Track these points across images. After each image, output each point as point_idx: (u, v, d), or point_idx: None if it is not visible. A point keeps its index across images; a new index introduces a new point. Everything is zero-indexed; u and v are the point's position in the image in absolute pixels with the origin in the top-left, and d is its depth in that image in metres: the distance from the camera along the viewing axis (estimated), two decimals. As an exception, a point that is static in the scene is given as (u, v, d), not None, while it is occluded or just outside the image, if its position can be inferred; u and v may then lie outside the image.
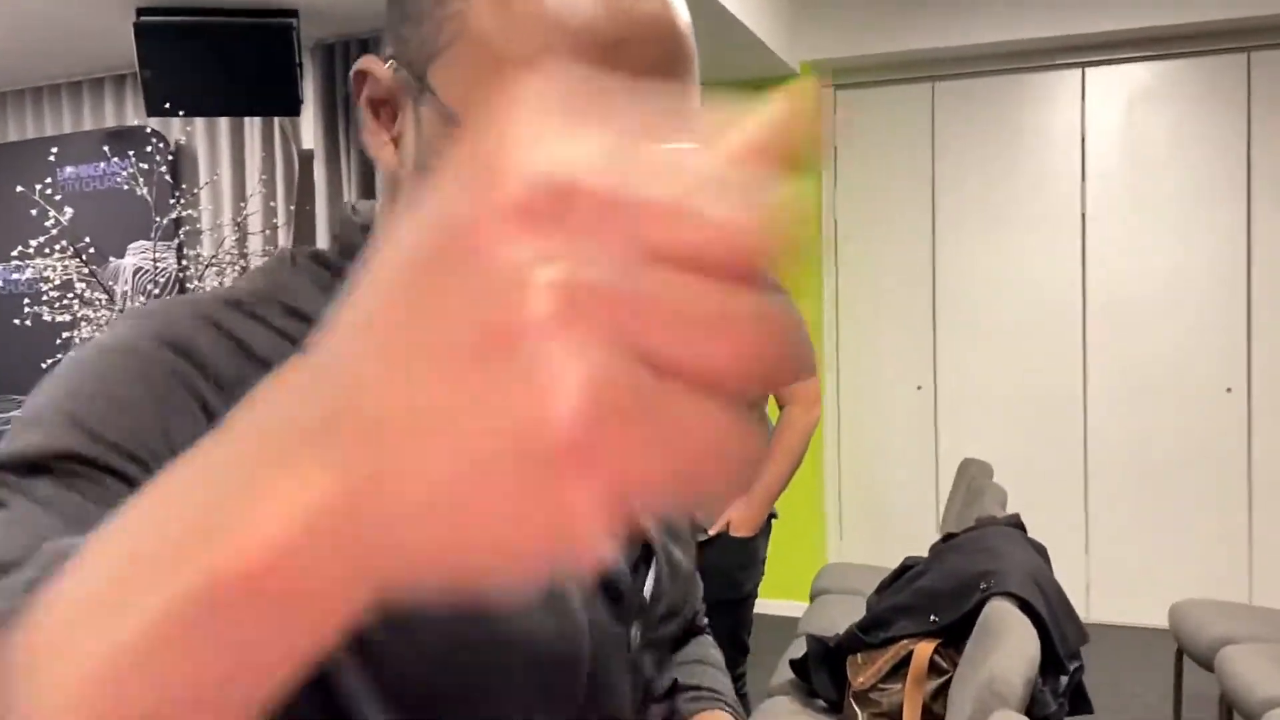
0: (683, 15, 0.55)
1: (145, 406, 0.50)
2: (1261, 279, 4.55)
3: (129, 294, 5.77)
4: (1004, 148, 4.88)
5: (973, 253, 4.94)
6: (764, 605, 4.90)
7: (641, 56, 0.53)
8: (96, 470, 0.48)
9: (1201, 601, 3.50)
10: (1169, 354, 4.67)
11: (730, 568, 2.51)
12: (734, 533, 2.42)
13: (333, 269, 0.61)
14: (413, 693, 0.54)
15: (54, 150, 5.25)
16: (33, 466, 0.47)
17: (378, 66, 0.60)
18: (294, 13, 5.14)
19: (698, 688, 0.79)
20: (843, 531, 5.20)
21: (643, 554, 0.68)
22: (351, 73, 0.61)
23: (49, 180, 4.69)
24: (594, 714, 0.63)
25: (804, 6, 4.94)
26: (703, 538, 2.45)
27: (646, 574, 0.67)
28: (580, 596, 0.62)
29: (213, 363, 0.53)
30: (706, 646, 0.85)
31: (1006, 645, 1.69)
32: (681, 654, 0.81)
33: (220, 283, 5.41)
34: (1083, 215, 4.78)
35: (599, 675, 0.63)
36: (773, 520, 2.61)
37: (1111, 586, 4.79)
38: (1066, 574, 4.71)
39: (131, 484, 0.48)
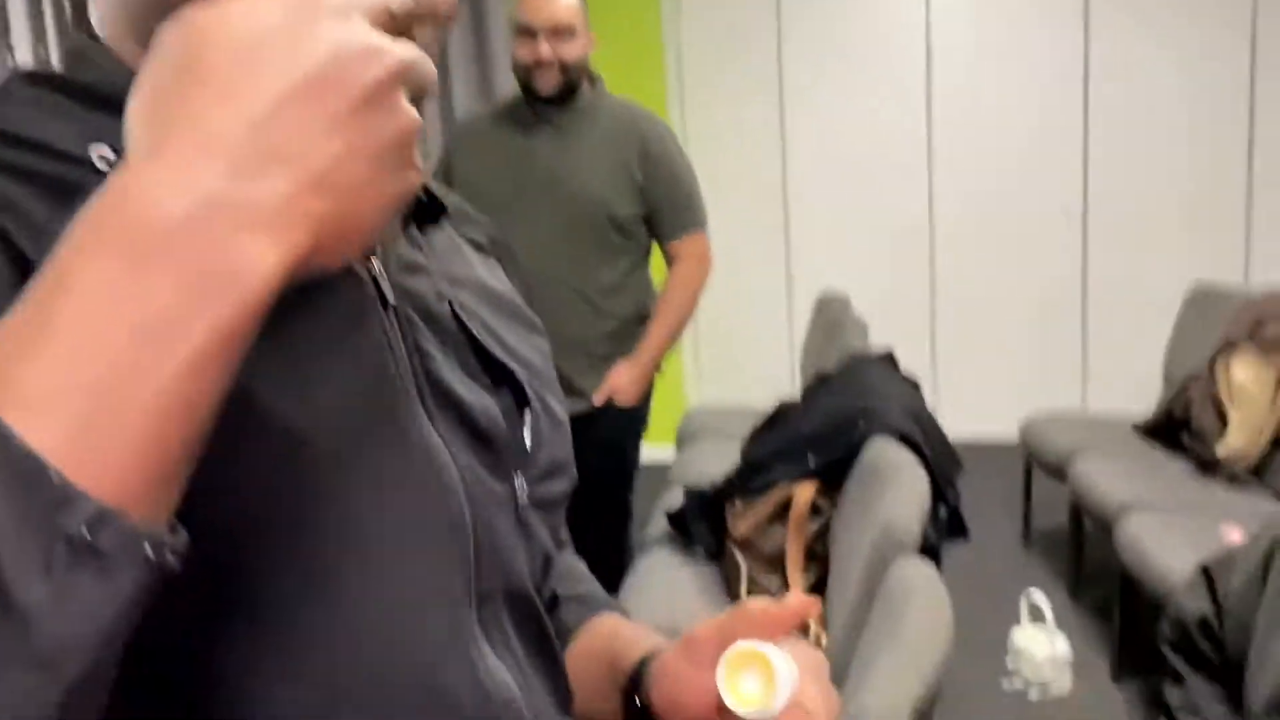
0: None
1: None
2: (1098, 97, 4.60)
3: None
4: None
5: (819, 80, 4.81)
6: (627, 452, 4.89)
7: None
8: None
9: (1047, 413, 3.63)
10: (1010, 178, 4.72)
11: (620, 439, 2.38)
12: (620, 401, 2.26)
13: (56, 84, 0.54)
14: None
15: None
16: None
17: None
18: None
19: (578, 597, 0.77)
20: (701, 373, 5.17)
21: (515, 398, 0.63)
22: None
23: None
24: (488, 583, 0.57)
25: None
26: (585, 408, 2.30)
27: (523, 421, 0.63)
28: (447, 447, 0.55)
29: None
30: (569, 556, 0.82)
31: (897, 489, 1.64)
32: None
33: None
34: (928, 46, 4.69)
35: (483, 537, 0.56)
36: (654, 376, 2.47)
37: (960, 404, 4.95)
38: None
39: None
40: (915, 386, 2.34)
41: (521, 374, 0.64)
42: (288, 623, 0.49)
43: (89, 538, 0.34)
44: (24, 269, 0.45)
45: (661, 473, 3.44)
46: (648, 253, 2.38)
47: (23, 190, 0.48)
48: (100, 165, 0.49)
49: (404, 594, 0.53)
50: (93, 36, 0.56)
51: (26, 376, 0.36)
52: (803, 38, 4.79)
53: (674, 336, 2.37)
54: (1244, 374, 2.78)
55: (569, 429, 0.69)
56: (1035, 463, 3.47)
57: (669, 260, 2.37)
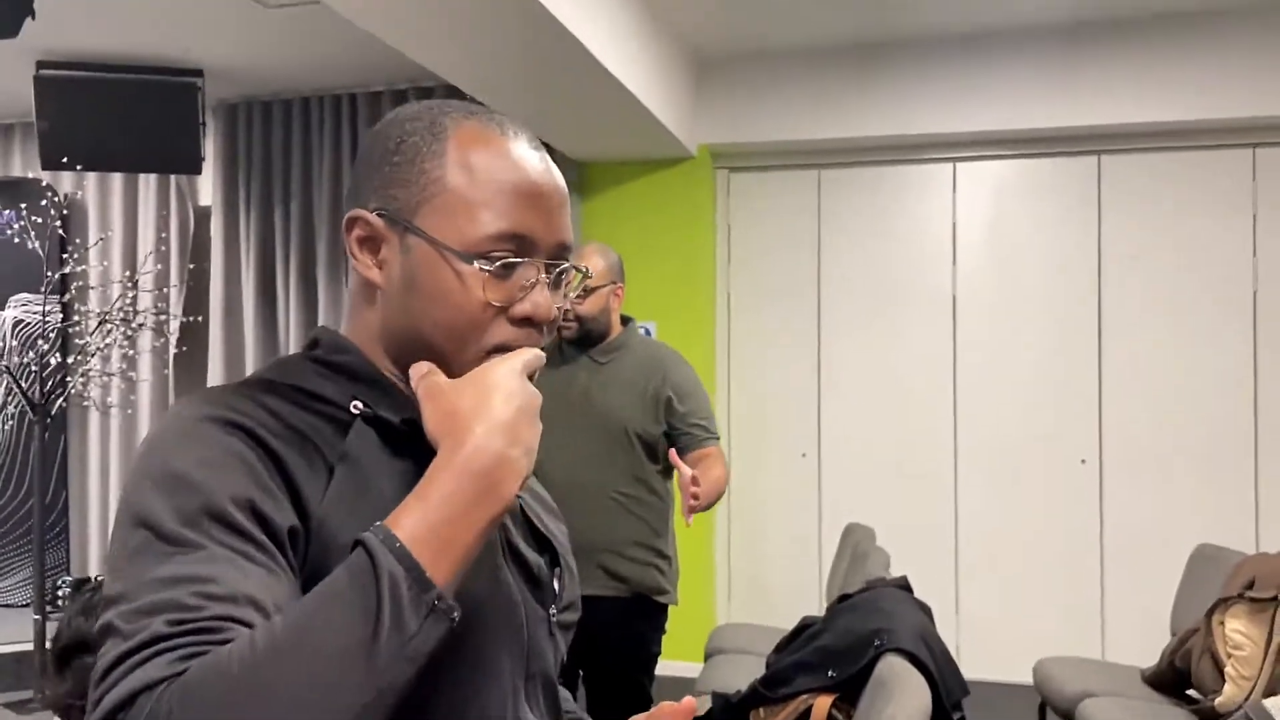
0: (560, 179, 0.94)
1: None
2: (1110, 358, 4.99)
3: (7, 347, 5.59)
4: (883, 232, 5.25)
5: (854, 329, 5.26)
6: (659, 666, 5.03)
7: (549, 200, 0.90)
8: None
9: (1061, 659, 3.80)
10: (1031, 427, 5.06)
11: (644, 625, 2.64)
12: (693, 498, 2.27)
13: (326, 363, 0.93)
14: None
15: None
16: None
17: (367, 215, 0.90)
18: (199, 72, 5.16)
19: (571, 712, 1.14)
20: (731, 594, 5.38)
21: (550, 557, 1.02)
22: (345, 219, 0.91)
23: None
24: (533, 668, 0.95)
25: (704, 96, 5.25)
26: (620, 593, 2.58)
27: (554, 573, 1.02)
28: (515, 583, 0.95)
29: (261, 433, 0.82)
30: (570, 701, 1.18)
31: (900, 698, 1.87)
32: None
33: (106, 341, 5.31)
34: (953, 297, 5.16)
35: (531, 640, 0.95)
36: (669, 607, 2.74)
37: (980, 645, 5.09)
38: (939, 633, 5.01)
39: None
40: (927, 611, 2.58)
41: (557, 544, 1.04)
42: (435, 682, 0.79)
43: (440, 605, 0.73)
44: (329, 470, 0.84)
45: (687, 684, 3.63)
46: (670, 467, 2.70)
47: (317, 421, 0.86)
48: (354, 410, 0.88)
49: (491, 668, 0.90)
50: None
51: (409, 523, 0.75)
52: (838, 286, 5.29)
53: (719, 487, 2.51)
54: (1237, 629, 2.99)
55: (578, 580, 1.08)
56: (1049, 704, 3.62)
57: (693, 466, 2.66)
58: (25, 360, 5.37)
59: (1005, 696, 4.77)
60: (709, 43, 5.07)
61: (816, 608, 4.53)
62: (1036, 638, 4.96)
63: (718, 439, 2.69)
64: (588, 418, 2.61)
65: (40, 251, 4.75)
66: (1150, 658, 3.64)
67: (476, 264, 0.86)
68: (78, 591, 5.79)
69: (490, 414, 0.79)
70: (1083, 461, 5.01)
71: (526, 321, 0.88)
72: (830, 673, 2.40)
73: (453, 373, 0.85)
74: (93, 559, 6.04)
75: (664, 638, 2.80)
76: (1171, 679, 3.37)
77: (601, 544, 2.59)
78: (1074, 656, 3.90)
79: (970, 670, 5.02)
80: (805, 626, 2.73)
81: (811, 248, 5.33)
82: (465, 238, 0.86)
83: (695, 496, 2.23)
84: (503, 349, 0.86)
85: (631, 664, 2.67)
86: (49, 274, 4.79)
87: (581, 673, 2.71)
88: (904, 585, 2.69)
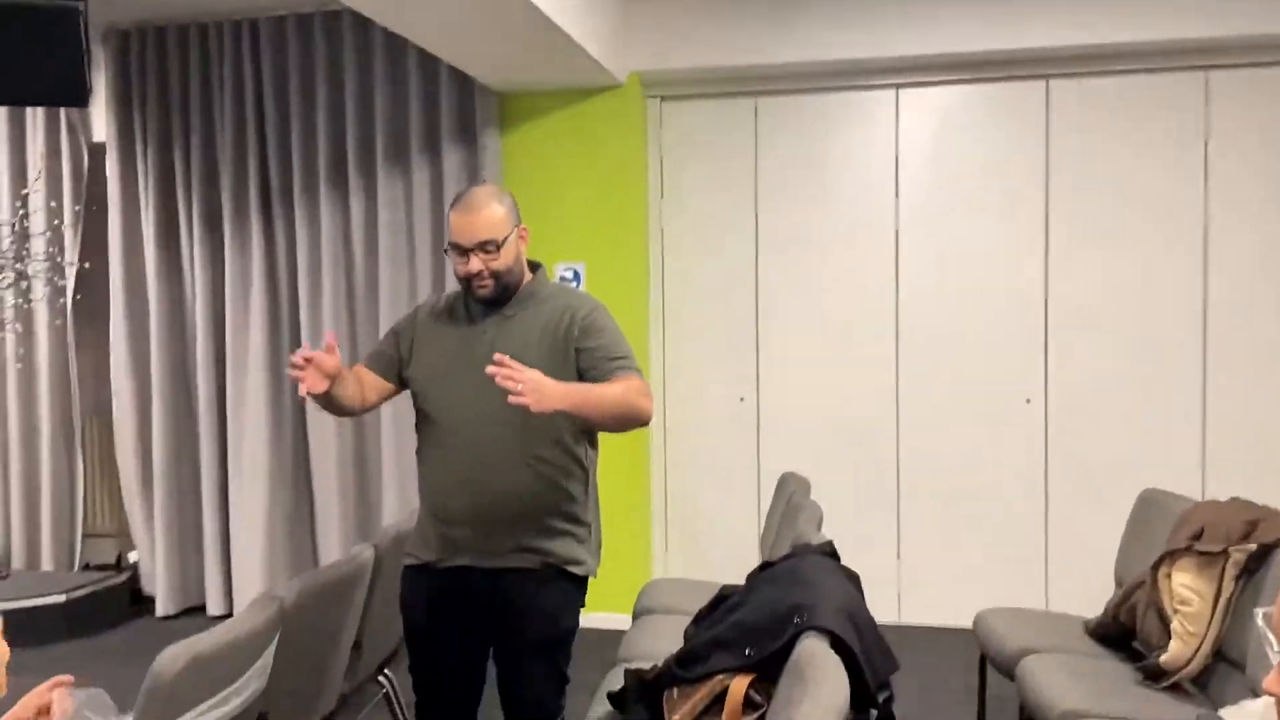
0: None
1: None
2: (1057, 294, 4.80)
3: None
4: (824, 163, 4.98)
5: (793, 265, 5.02)
6: (590, 618, 4.83)
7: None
8: None
9: (1002, 610, 3.64)
10: (974, 366, 4.87)
11: (558, 602, 2.41)
12: (528, 397, 2.04)
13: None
14: None
15: None
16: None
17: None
18: (81, -5, 4.72)
19: None
20: (668, 543, 5.20)
21: None
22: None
23: None
24: None
25: (633, 20, 4.90)
26: (534, 564, 2.32)
27: None
28: None
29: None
30: None
31: (815, 691, 1.66)
32: None
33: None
34: (896, 231, 4.93)
35: None
36: (588, 580, 2.51)
37: (921, 592, 4.96)
38: (880, 580, 4.87)
39: None
40: (855, 580, 2.38)
41: None
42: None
43: None
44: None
45: (616, 639, 3.43)
46: (594, 431, 2.46)
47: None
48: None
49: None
50: None
51: None
52: (776, 221, 5.03)
53: (600, 400, 2.22)
54: (1184, 584, 2.83)
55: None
56: (989, 659, 3.46)
57: None
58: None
59: (948, 642, 4.65)
60: (636, -39, 4.73)
61: (755, 558, 4.34)
62: (980, 584, 4.84)
63: (638, 372, 2.41)
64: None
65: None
66: (1095, 607, 3.50)
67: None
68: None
69: None
70: (1027, 401, 4.85)
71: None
72: (748, 650, 2.19)
73: None
74: (-4, 522, 5.71)
75: (594, 590, 2.56)
76: (1116, 632, 3.22)
77: (514, 512, 2.34)
78: (1015, 608, 3.74)
79: (911, 617, 4.94)
80: (724, 597, 2.52)
81: (748, 181, 5.06)
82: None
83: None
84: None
85: (546, 641, 2.44)
86: (-82, 218, 4.40)
87: (493, 650, 2.49)
88: (829, 551, 2.48)
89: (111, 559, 5.77)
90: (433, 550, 2.45)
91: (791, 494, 3.67)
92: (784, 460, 4.90)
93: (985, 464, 4.89)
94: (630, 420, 2.29)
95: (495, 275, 2.33)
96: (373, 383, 2.50)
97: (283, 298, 5.20)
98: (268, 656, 2.29)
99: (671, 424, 5.15)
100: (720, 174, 5.07)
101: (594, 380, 2.31)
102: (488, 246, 2.31)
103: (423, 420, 2.47)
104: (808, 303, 5.01)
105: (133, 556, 5.61)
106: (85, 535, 5.71)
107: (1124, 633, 3.19)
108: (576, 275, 4.98)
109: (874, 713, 2.09)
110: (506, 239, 2.33)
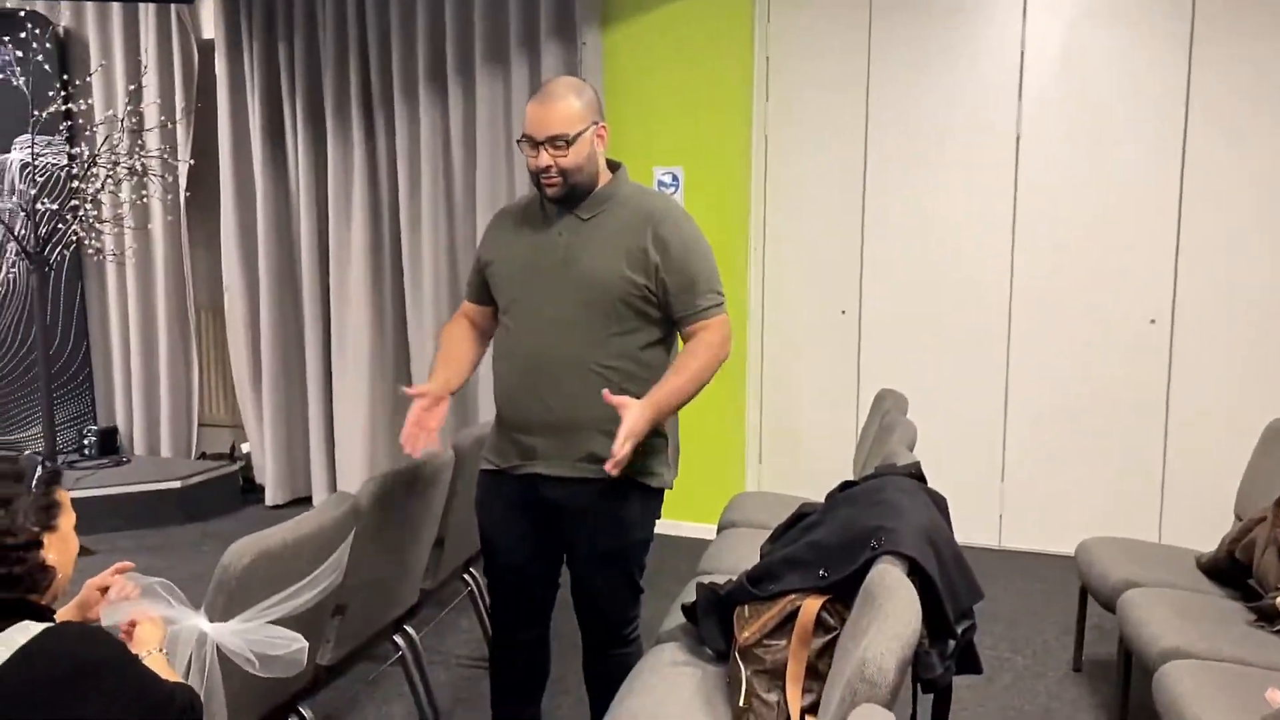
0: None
1: None
2: (1191, 211, 4.45)
3: (19, 190, 5.33)
4: (941, 63, 4.68)
5: (904, 172, 4.77)
6: (678, 528, 4.83)
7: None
8: None
9: (1108, 539, 3.46)
10: (1096, 282, 4.59)
11: (630, 514, 2.35)
12: (626, 436, 2.09)
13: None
14: None
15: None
16: None
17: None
18: (188, -111, 4.72)
19: None
20: (762, 456, 5.12)
21: None
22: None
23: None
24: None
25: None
26: (605, 476, 2.24)
27: None
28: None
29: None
30: None
31: (884, 622, 1.57)
32: None
33: (108, 183, 5.05)
34: (1017, 137, 4.62)
35: None
36: (663, 491, 2.43)
37: (1024, 517, 4.78)
38: (980, 503, 4.70)
39: None
40: (941, 505, 2.25)
41: None
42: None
43: None
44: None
45: (703, 548, 3.39)
46: (667, 336, 2.36)
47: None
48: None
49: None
50: None
51: None
52: (888, 127, 4.77)
53: (682, 395, 2.25)
54: (1310, 522, 2.62)
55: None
56: (1090, 591, 3.31)
57: (687, 339, 2.33)
58: (19, 204, 5.12)
59: (1050, 569, 4.48)
60: None
61: (850, 475, 4.24)
62: (1087, 511, 4.63)
63: (719, 305, 2.30)
64: (568, 282, 2.25)
65: (25, 89, 4.46)
66: (1211, 542, 3.29)
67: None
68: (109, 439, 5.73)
69: None
70: (1152, 322, 4.54)
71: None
72: (822, 572, 2.10)
73: None
74: (119, 408, 5.98)
75: (684, 501, 2.49)
76: (1230, 569, 3.03)
77: (583, 421, 2.28)
78: (1120, 538, 3.55)
79: (1012, 542, 4.77)
80: (803, 515, 2.42)
81: (860, 85, 4.79)
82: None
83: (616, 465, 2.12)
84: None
85: (618, 552, 2.39)
86: (35, 113, 4.51)
87: (566, 557, 2.46)
88: (916, 474, 2.35)
89: (226, 449, 6.00)
90: (506, 456, 2.42)
91: (887, 411, 3.53)
92: (884, 376, 4.74)
93: (1101, 386, 4.63)
94: (710, 379, 2.30)
95: (564, 173, 2.22)
96: (479, 317, 2.52)
97: (383, 194, 5.21)
98: (342, 553, 2.31)
99: (769, 335, 5.02)
100: (830, 75, 4.82)
101: (674, 313, 2.25)
102: (558, 141, 2.20)
103: (499, 323, 2.42)
104: (917, 212, 4.77)
105: (245, 447, 5.82)
106: (201, 425, 5.94)
107: (1239, 570, 2.99)
108: (675, 180, 4.84)
109: (952, 643, 1.99)
110: (580, 135, 2.21)
